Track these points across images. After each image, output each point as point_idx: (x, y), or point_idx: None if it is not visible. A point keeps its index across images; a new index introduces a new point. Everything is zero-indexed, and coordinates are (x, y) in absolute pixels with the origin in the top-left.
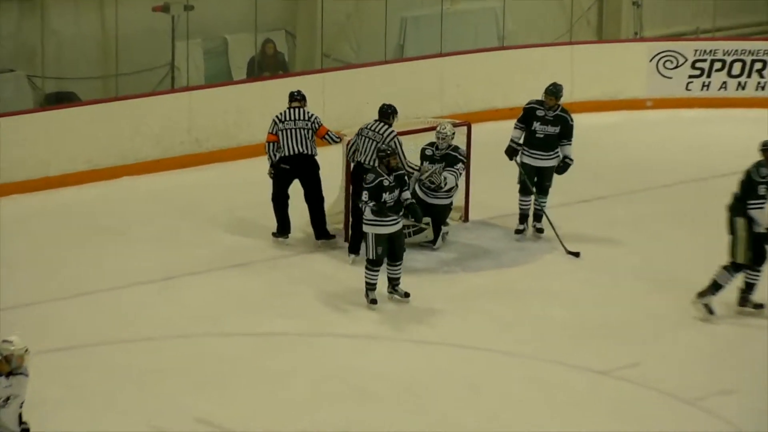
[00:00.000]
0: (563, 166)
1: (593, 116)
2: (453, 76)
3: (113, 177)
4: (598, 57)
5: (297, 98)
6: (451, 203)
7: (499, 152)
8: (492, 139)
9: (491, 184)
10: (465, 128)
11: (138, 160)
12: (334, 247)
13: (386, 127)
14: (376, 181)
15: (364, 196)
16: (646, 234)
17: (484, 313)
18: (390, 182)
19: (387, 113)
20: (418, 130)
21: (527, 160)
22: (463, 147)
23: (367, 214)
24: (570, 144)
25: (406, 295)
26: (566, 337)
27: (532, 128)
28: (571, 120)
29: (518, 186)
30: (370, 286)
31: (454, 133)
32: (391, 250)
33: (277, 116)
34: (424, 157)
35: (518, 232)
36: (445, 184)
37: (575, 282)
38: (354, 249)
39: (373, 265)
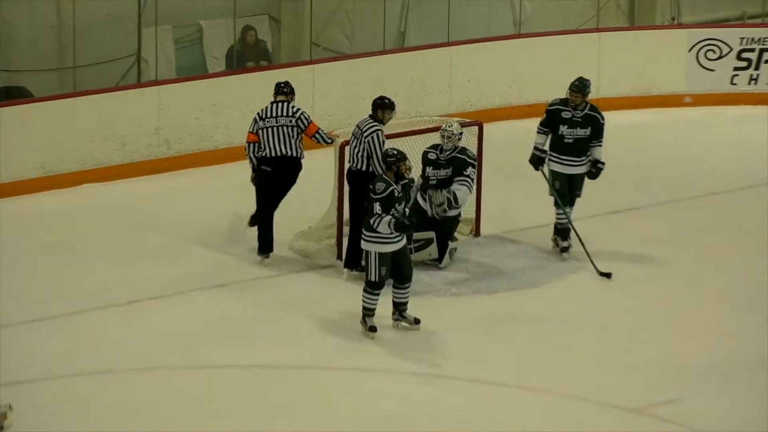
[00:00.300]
0: (595, 171)
1: (624, 114)
2: (462, 68)
3: (71, 185)
4: (630, 46)
5: (284, 91)
6: (459, 215)
7: (515, 156)
8: (507, 141)
9: (506, 193)
10: (476, 128)
11: (99, 166)
12: (325, 266)
13: (370, 121)
14: (388, 190)
15: (377, 208)
16: (687, 251)
17: (499, 342)
18: (399, 192)
19: (376, 106)
20: (420, 130)
21: (557, 168)
22: (472, 149)
23: (382, 228)
24: (600, 145)
25: (417, 321)
26: (594, 369)
27: (559, 133)
28: (603, 119)
29: (552, 198)
30: (369, 312)
31: (461, 133)
32: (397, 271)
33: (258, 113)
34: (426, 161)
35: (564, 249)
36: (457, 202)
37: (604, 307)
38: (351, 263)
39: (373, 288)
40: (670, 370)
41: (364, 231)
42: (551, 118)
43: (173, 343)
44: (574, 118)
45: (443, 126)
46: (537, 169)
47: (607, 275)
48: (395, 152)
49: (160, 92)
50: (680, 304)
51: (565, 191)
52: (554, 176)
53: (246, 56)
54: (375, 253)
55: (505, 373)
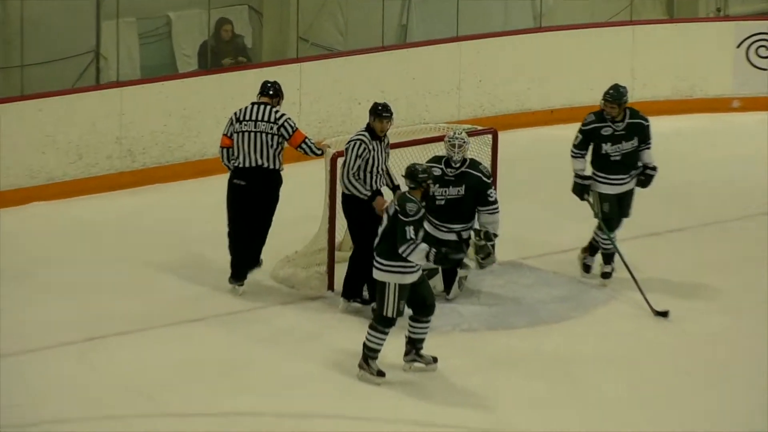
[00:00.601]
0: (646, 178)
1: (662, 121)
2: (473, 68)
3: (18, 203)
4: (668, 42)
5: (269, 92)
6: (470, 237)
7: (534, 169)
8: (526, 152)
9: (525, 213)
10: (489, 137)
11: (51, 181)
12: (314, 297)
13: (359, 130)
14: (421, 212)
15: (410, 233)
16: (736, 280)
17: (517, 386)
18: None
19: (369, 113)
20: (421, 140)
21: (606, 189)
22: (485, 162)
23: (416, 258)
24: (650, 147)
25: (434, 360)
26: (626, 419)
27: (603, 152)
28: (647, 120)
29: (598, 221)
30: (374, 354)
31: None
32: (419, 302)
33: (235, 113)
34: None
35: (606, 275)
36: (495, 234)
37: (639, 347)
38: (350, 293)
39: (386, 326)
40: (714, 422)
41: (379, 259)
42: (589, 139)
43: (138, 388)
44: (616, 133)
45: (450, 134)
46: (583, 198)
47: (664, 314)
48: (426, 167)
49: (123, 95)
50: (728, 343)
51: (615, 214)
52: (602, 198)
53: (221, 53)
54: (395, 285)
55: (524, 422)
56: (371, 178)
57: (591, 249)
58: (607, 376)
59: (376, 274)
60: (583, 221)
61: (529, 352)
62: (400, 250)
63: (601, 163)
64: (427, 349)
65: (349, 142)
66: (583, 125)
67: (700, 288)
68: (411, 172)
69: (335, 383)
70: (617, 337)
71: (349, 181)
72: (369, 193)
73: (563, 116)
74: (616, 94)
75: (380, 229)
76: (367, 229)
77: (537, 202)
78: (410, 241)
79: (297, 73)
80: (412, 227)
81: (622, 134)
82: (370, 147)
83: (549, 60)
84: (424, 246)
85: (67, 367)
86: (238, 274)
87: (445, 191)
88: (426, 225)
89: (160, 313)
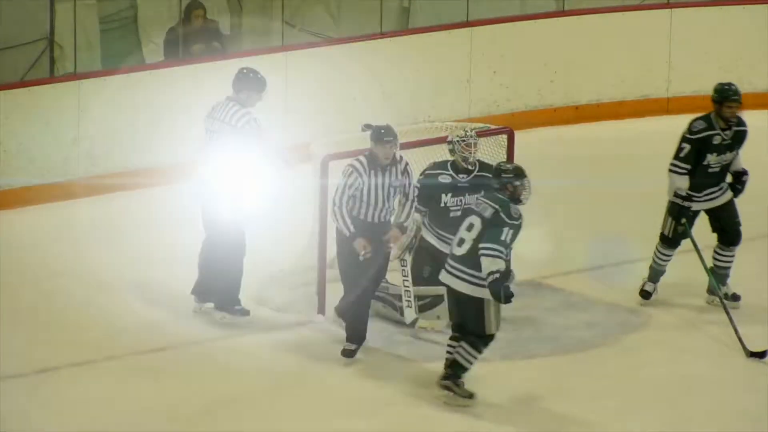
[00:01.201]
0: (742, 185)
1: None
2: (486, 57)
3: None
4: (712, 26)
5: (235, 84)
6: None
7: (557, 174)
8: (546, 154)
9: (546, 225)
10: (504, 137)
11: None
12: (303, 323)
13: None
14: (522, 219)
15: (508, 236)
16: None
17: (537, 425)
18: None
19: (371, 138)
20: (426, 141)
21: (693, 206)
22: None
23: (489, 266)
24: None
25: (471, 396)
26: None
27: (704, 162)
28: (746, 125)
29: (664, 235)
30: (463, 372)
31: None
32: None
33: (212, 105)
34: (440, 187)
35: (646, 295)
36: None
37: (680, 381)
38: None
39: (487, 344)
40: None
41: (470, 271)
42: (697, 150)
43: (96, 427)
44: (724, 142)
45: (461, 133)
46: (681, 223)
47: (761, 355)
48: (515, 166)
49: (81, 89)
50: None
51: (687, 233)
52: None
53: (192, 40)
54: (494, 303)
55: None
56: (365, 210)
57: (723, 278)
58: (638, 415)
59: (467, 288)
60: (613, 233)
61: (549, 385)
62: (482, 245)
63: (697, 176)
64: (430, 384)
65: (346, 166)
66: (692, 133)
67: (755, 309)
68: (496, 170)
69: (332, 425)
70: (653, 368)
71: (333, 211)
72: (349, 232)
73: (590, 113)
74: (739, 91)
75: (467, 235)
76: (355, 271)
77: (559, 214)
78: (501, 245)
79: (282, 63)
80: (512, 231)
81: (729, 143)
82: (363, 178)
83: (574, 48)
84: (503, 264)
85: (15, 404)
86: (195, 289)
87: (460, 200)
88: (432, 238)
89: (122, 341)
